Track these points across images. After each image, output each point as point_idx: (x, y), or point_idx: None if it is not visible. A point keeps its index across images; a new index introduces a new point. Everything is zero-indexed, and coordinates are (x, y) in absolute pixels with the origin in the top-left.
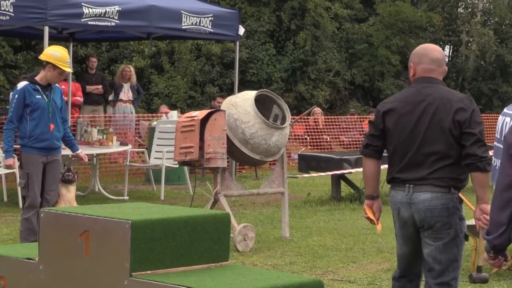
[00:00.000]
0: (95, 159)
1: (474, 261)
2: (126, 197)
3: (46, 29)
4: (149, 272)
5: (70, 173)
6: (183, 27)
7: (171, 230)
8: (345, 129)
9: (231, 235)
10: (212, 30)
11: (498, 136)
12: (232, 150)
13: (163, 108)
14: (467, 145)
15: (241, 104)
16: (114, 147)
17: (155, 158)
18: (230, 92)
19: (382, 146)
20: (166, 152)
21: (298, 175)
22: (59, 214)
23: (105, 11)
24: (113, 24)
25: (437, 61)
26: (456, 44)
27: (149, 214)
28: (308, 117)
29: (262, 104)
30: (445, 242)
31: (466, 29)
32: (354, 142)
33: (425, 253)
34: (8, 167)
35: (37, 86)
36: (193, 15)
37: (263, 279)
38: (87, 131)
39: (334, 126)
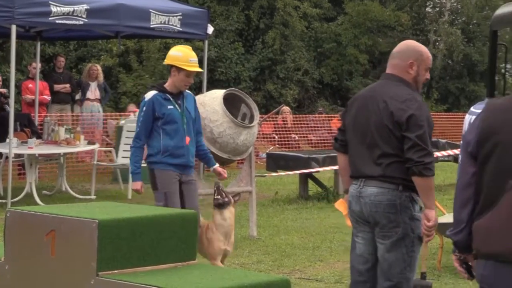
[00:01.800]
0: (62, 158)
1: (440, 259)
2: (93, 197)
3: (14, 27)
4: (116, 271)
5: (220, 196)
6: (151, 26)
7: (138, 230)
8: (313, 128)
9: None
10: (180, 29)
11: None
12: None
13: (131, 107)
14: (405, 149)
15: (209, 103)
16: (82, 146)
17: (122, 157)
18: (199, 91)
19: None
20: None
21: (266, 174)
22: (25, 214)
23: (73, 10)
24: (81, 22)
25: (393, 54)
26: (424, 43)
27: (116, 213)
28: (277, 116)
29: (231, 103)
30: (392, 241)
31: (434, 28)
32: (322, 141)
33: (378, 254)
34: (136, 191)
35: (168, 95)
36: (161, 13)
37: (230, 278)
38: (54, 130)
39: (302, 125)
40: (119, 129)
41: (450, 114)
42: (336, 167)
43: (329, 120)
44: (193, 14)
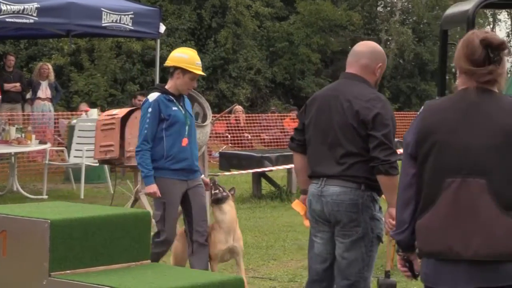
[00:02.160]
0: (13, 158)
1: (392, 256)
2: (45, 196)
3: None
4: (68, 271)
5: (218, 190)
6: (103, 25)
7: (90, 229)
8: (266, 127)
9: (152, 233)
10: (132, 28)
11: None
12: None
13: (83, 106)
14: (370, 147)
15: None
16: (33, 146)
17: (74, 156)
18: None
19: (305, 140)
20: (86, 150)
21: (219, 173)
22: None
23: (23, 8)
24: (31, 21)
25: (356, 55)
26: (375, 43)
27: (68, 213)
28: (229, 115)
29: None
30: (352, 239)
31: (385, 27)
32: (275, 140)
33: (336, 253)
34: (151, 194)
35: (171, 97)
36: (113, 12)
37: (184, 277)
38: (5, 129)
39: (255, 124)
40: (71, 129)
41: (402, 113)
42: (289, 166)
43: (281, 119)
44: (145, 13)
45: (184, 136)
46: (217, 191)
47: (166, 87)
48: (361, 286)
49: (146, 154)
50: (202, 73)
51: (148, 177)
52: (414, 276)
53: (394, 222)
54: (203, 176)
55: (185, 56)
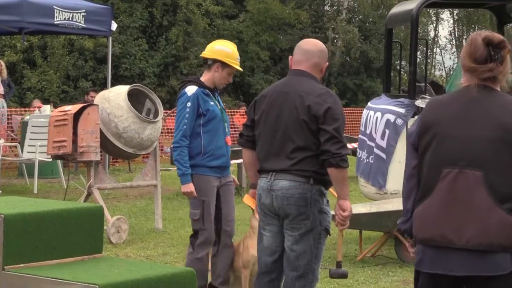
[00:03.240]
0: None
1: (339, 248)
2: None
3: None
4: (22, 265)
5: None
6: (55, 22)
7: (44, 224)
8: None
9: (105, 227)
10: (85, 26)
11: (363, 129)
12: (105, 144)
13: (36, 102)
14: (321, 141)
15: (114, 98)
16: None
17: (28, 152)
18: (103, 86)
19: (254, 136)
20: (39, 146)
21: (171, 168)
22: None
23: None
24: None
25: (306, 53)
26: (323, 41)
27: (22, 207)
28: None
29: (135, 99)
30: (301, 232)
31: (332, 26)
32: None
33: (285, 245)
34: (187, 194)
35: (207, 91)
36: (65, 10)
37: (137, 270)
38: None
39: None
40: (24, 124)
41: (349, 109)
42: (239, 161)
43: (231, 115)
44: (97, 11)
45: (226, 134)
46: None
47: (202, 79)
48: (309, 277)
49: (184, 151)
50: (240, 69)
51: (185, 175)
52: None
53: (345, 214)
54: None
55: (228, 50)
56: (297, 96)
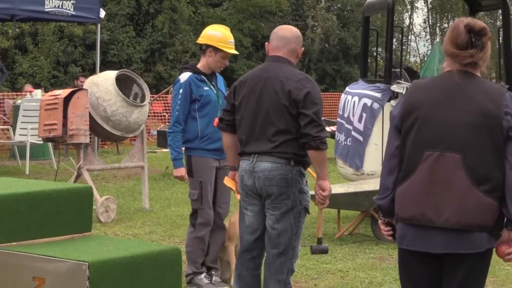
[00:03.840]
0: None
1: (319, 226)
2: None
3: None
4: (14, 243)
5: None
6: (46, 10)
7: (35, 203)
8: None
9: (94, 207)
10: (74, 13)
11: (341, 113)
12: (94, 127)
13: (28, 87)
14: (302, 125)
15: (102, 83)
16: None
17: (20, 134)
18: (92, 72)
19: (234, 120)
20: (31, 129)
21: (157, 150)
22: None
23: None
24: None
25: (283, 39)
26: (303, 28)
27: (14, 188)
28: (166, 95)
29: (123, 84)
30: (282, 211)
31: (312, 14)
32: None
33: (267, 224)
34: (179, 178)
35: (203, 77)
36: None
37: (125, 247)
38: None
39: None
40: (16, 108)
41: (327, 93)
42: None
43: None
44: None
45: (216, 116)
46: None
47: (198, 65)
48: (289, 254)
49: (177, 136)
50: (235, 52)
51: (177, 160)
52: (394, 239)
53: (325, 194)
54: None
55: (219, 34)
56: (277, 82)
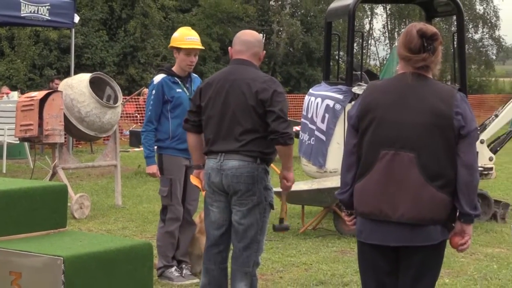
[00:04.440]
0: None
1: (285, 209)
2: None
3: None
4: None
5: None
6: (22, 15)
7: (12, 201)
8: None
9: (69, 204)
10: (49, 18)
11: (305, 114)
12: (69, 127)
13: (5, 89)
14: (269, 122)
15: (77, 85)
16: None
17: None
18: (67, 74)
19: (199, 120)
20: (8, 129)
21: (130, 149)
22: None
23: None
24: None
25: (246, 43)
26: (269, 33)
27: None
28: (138, 97)
29: (96, 86)
30: (248, 207)
31: (277, 19)
32: None
33: (233, 220)
34: (151, 175)
35: (176, 78)
36: (31, 4)
37: (98, 242)
38: None
39: None
40: None
41: (292, 95)
42: None
43: None
44: (60, 5)
45: None
46: None
47: (173, 68)
48: (255, 247)
49: (149, 135)
50: (195, 46)
51: (149, 158)
52: None
53: (288, 184)
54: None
55: (176, 35)
56: (243, 83)
